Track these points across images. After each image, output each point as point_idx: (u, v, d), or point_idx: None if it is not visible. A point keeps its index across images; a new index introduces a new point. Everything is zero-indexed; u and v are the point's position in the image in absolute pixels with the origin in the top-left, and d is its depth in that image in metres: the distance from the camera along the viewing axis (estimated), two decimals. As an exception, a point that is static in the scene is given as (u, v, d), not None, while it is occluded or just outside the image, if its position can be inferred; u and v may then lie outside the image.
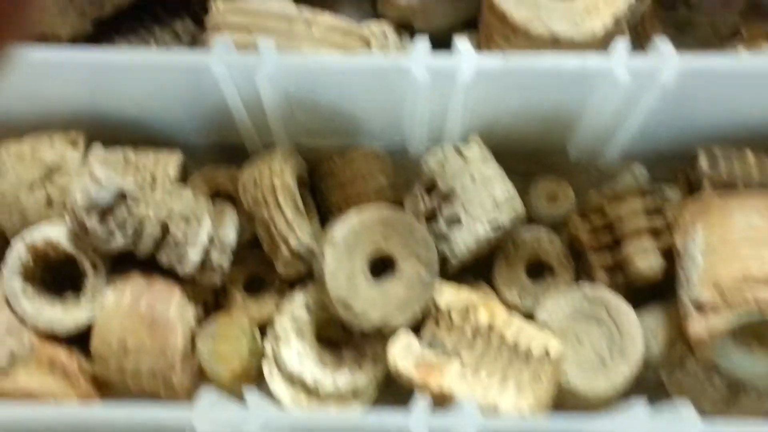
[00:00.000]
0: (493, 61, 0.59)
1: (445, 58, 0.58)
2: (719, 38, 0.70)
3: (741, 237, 0.61)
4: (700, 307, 0.59)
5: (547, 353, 0.59)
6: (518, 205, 0.64)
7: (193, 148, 0.72)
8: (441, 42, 0.66)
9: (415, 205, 0.67)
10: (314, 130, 0.70)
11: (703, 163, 0.66)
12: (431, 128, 0.69)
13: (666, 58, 0.58)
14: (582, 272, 0.70)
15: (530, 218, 0.71)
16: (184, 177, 0.70)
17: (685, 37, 0.69)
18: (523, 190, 0.68)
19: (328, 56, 0.62)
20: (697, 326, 0.58)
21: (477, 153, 0.64)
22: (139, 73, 0.62)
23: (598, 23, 0.61)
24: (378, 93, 0.66)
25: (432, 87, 0.60)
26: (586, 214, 0.68)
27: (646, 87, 0.60)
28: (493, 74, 0.59)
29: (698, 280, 0.59)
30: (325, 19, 0.61)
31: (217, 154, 0.74)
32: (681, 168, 0.70)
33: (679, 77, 0.58)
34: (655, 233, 0.66)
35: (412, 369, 0.59)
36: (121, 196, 0.60)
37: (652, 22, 0.70)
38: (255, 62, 0.58)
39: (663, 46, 0.58)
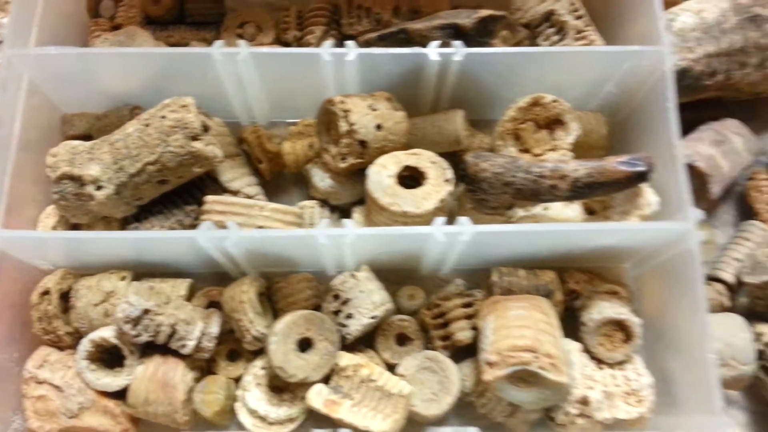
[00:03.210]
0: (366, 230, 0.72)
1: (337, 230, 0.70)
2: (493, 207, 0.79)
3: (512, 323, 0.72)
4: (489, 364, 0.70)
5: (401, 393, 0.73)
6: (389, 304, 0.78)
7: (199, 275, 0.84)
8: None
9: (328, 307, 0.79)
10: (268, 265, 0.81)
11: (494, 277, 0.80)
12: (337, 263, 0.81)
13: (465, 227, 0.71)
14: (428, 342, 0.81)
15: (399, 310, 0.82)
16: (192, 293, 0.82)
17: (483, 209, 0.78)
18: (394, 293, 0.82)
19: (268, 231, 0.74)
20: (487, 375, 0.70)
21: (364, 275, 0.78)
22: (162, 243, 0.74)
23: (430, 204, 0.74)
24: (301, 248, 0.77)
25: (331, 245, 0.72)
26: (430, 307, 0.81)
27: (454, 242, 0.73)
28: (367, 236, 0.72)
29: (488, 347, 0.71)
30: (271, 204, 0.76)
31: (213, 278, 0.84)
32: (484, 279, 0.82)
33: (474, 236, 0.71)
34: (468, 317, 0.79)
35: (321, 405, 0.72)
36: (145, 311, 0.73)
37: (464, 199, 0.81)
38: (225, 235, 0.70)
39: (463, 220, 0.71)
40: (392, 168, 0.78)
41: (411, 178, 0.79)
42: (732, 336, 0.79)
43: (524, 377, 0.71)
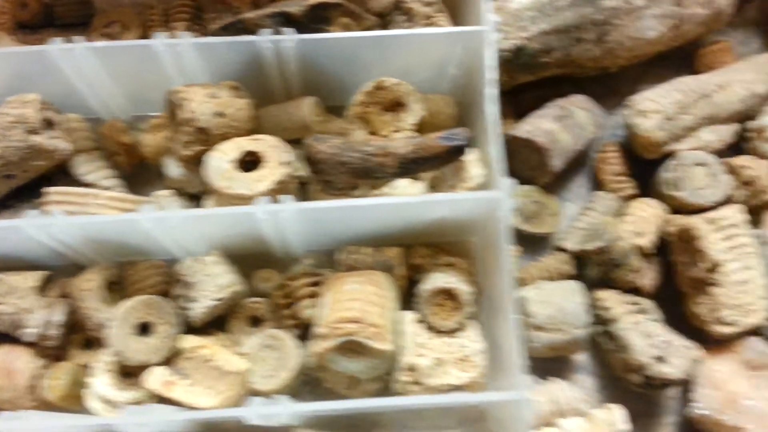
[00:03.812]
0: (190, 212, 0.72)
1: (159, 213, 0.70)
2: (339, 189, 0.79)
3: (344, 297, 0.73)
4: (319, 337, 0.71)
5: (237, 370, 0.73)
6: (237, 287, 0.78)
7: (59, 268, 0.82)
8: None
9: (174, 292, 0.79)
10: (120, 254, 0.81)
11: (340, 255, 0.80)
12: (185, 250, 0.79)
13: (286, 205, 0.71)
14: (281, 320, 0.80)
15: (256, 293, 0.82)
16: (45, 285, 0.80)
17: (330, 190, 0.78)
18: (249, 275, 0.82)
19: (91, 217, 0.73)
20: (317, 347, 0.71)
21: (211, 259, 0.78)
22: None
23: (264, 187, 0.74)
24: (133, 234, 0.75)
25: (159, 229, 0.72)
26: (280, 288, 0.81)
27: (280, 220, 0.73)
28: (192, 219, 0.72)
29: (323, 321, 0.72)
30: (107, 192, 0.77)
31: (72, 271, 0.82)
32: (333, 257, 0.82)
33: (299, 213, 0.71)
34: (313, 296, 0.79)
35: (158, 386, 0.73)
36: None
37: (313, 183, 0.80)
38: (49, 222, 0.70)
39: (285, 198, 0.71)
40: (232, 153, 0.79)
41: (255, 163, 0.79)
42: (565, 301, 0.79)
43: (354, 348, 0.72)
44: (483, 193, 0.73)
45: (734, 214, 0.81)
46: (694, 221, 0.80)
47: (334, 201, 0.72)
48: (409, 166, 0.75)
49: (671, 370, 0.76)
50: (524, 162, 0.89)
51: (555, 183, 0.93)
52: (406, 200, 0.74)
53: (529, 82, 0.92)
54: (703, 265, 0.79)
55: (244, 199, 0.75)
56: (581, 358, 0.86)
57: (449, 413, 0.82)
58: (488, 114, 0.74)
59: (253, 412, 0.64)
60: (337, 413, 0.71)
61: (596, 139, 0.94)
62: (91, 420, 0.71)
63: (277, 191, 0.76)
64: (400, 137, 0.78)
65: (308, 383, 0.81)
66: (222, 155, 0.78)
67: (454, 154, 0.74)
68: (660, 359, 0.77)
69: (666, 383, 0.77)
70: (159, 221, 0.71)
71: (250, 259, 0.84)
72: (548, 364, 0.83)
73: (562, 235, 0.89)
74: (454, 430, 0.82)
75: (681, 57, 0.98)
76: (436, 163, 0.76)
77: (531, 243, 0.90)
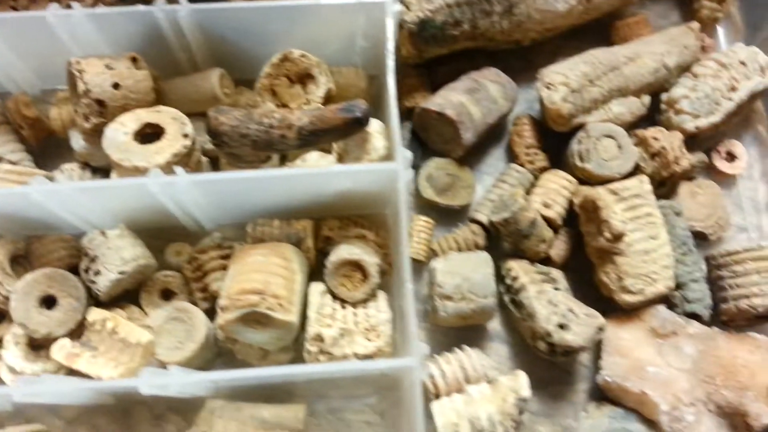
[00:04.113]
0: (79, 184, 0.71)
1: (49, 186, 0.69)
2: (249, 162, 0.80)
3: (247, 268, 0.73)
4: (221, 309, 0.71)
5: (139, 342, 0.73)
6: (143, 260, 0.77)
7: None
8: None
9: (81, 265, 0.78)
10: (18, 227, 0.80)
11: (249, 228, 0.80)
12: (81, 222, 0.79)
13: (179, 177, 0.70)
14: (195, 292, 0.80)
15: (166, 266, 0.82)
16: None
17: (238, 163, 0.79)
18: (161, 250, 0.82)
19: None
20: (220, 319, 0.71)
21: (115, 233, 0.77)
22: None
23: (162, 159, 0.74)
24: (27, 207, 0.73)
25: (50, 202, 0.71)
26: (190, 261, 0.81)
27: (176, 192, 0.71)
28: (87, 190, 0.71)
29: (224, 293, 0.72)
30: (6, 166, 0.77)
31: None
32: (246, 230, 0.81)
33: (193, 185, 0.70)
34: (223, 269, 0.78)
35: (63, 359, 0.72)
36: None
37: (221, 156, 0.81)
38: None
39: (178, 170, 0.71)
40: (131, 125, 0.78)
41: (156, 135, 0.79)
42: (472, 272, 0.80)
43: (258, 319, 0.72)
44: (381, 165, 0.73)
45: (638, 184, 0.82)
46: (598, 192, 0.81)
47: (228, 173, 0.72)
48: (309, 138, 0.75)
49: (573, 337, 0.77)
50: (439, 135, 0.89)
51: (472, 156, 0.94)
52: (304, 172, 0.74)
53: (444, 55, 0.92)
54: (607, 235, 0.80)
55: (142, 172, 0.74)
56: (496, 326, 0.87)
57: (363, 382, 0.83)
58: (387, 86, 0.74)
59: (144, 382, 0.64)
60: (249, 384, 0.72)
61: (511, 113, 0.94)
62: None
63: (177, 164, 0.76)
64: (298, 110, 0.77)
65: (222, 355, 0.81)
66: (120, 127, 0.77)
67: (353, 125, 0.74)
68: (563, 327, 0.78)
69: (568, 351, 0.78)
70: (50, 194, 0.70)
71: (165, 233, 0.84)
72: (464, 333, 0.85)
73: (476, 207, 0.89)
74: (370, 398, 0.83)
75: (598, 30, 0.99)
76: (336, 135, 0.75)
77: (447, 215, 0.91)
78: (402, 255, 0.70)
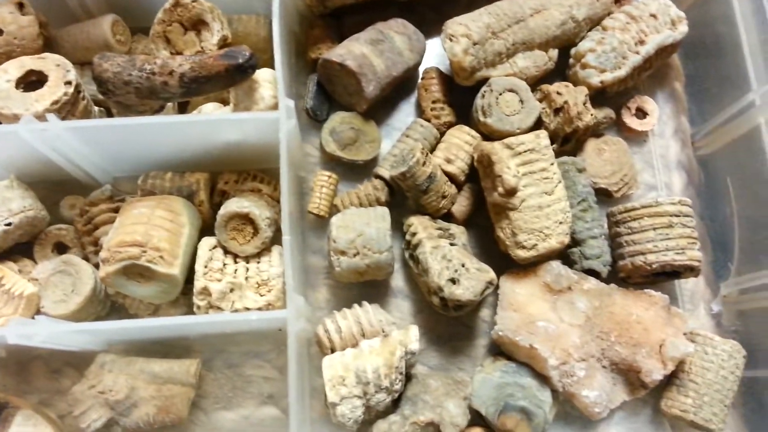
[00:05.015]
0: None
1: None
2: (139, 112, 0.79)
3: (129, 221, 0.71)
4: (102, 261, 0.70)
5: (23, 294, 0.73)
6: (32, 212, 0.76)
7: None
8: None
9: None
10: None
11: (139, 180, 0.79)
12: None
13: (51, 123, 0.67)
14: (86, 246, 0.79)
15: (62, 219, 0.81)
16: None
17: (129, 113, 0.77)
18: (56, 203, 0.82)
19: None
20: (101, 272, 0.70)
21: (5, 184, 0.76)
22: None
23: (41, 106, 0.72)
24: None
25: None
26: (82, 214, 0.80)
27: (48, 139, 0.69)
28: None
29: (105, 245, 0.71)
30: None
31: None
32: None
33: (68, 131, 0.68)
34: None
35: None
36: None
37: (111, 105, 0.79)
38: None
39: (50, 117, 0.68)
40: (13, 72, 0.75)
41: (41, 83, 0.76)
42: (366, 226, 0.79)
43: (141, 272, 0.71)
44: (263, 114, 0.71)
45: (534, 139, 0.80)
46: (493, 146, 0.80)
47: (102, 120, 0.70)
48: (192, 86, 0.73)
49: (462, 291, 0.77)
50: (344, 88, 0.87)
51: (381, 110, 0.92)
52: (183, 119, 0.72)
53: (351, 5, 0.89)
54: (501, 190, 0.79)
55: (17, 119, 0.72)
56: (399, 282, 0.87)
57: (262, 338, 0.83)
58: (273, 32, 0.72)
59: (11, 331, 0.63)
60: (143, 339, 0.71)
61: (419, 66, 0.92)
62: None
63: (59, 112, 0.74)
64: (181, 56, 0.74)
65: (118, 311, 0.80)
66: (2, 74, 0.75)
67: (235, 73, 0.72)
68: (453, 281, 0.78)
69: (458, 305, 0.78)
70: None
71: (63, 186, 0.82)
72: (367, 289, 0.85)
73: (380, 163, 0.88)
74: (270, 354, 0.83)
75: (514, -19, 0.95)
76: (220, 83, 0.73)
77: (353, 171, 0.89)
78: (282, 207, 0.69)
